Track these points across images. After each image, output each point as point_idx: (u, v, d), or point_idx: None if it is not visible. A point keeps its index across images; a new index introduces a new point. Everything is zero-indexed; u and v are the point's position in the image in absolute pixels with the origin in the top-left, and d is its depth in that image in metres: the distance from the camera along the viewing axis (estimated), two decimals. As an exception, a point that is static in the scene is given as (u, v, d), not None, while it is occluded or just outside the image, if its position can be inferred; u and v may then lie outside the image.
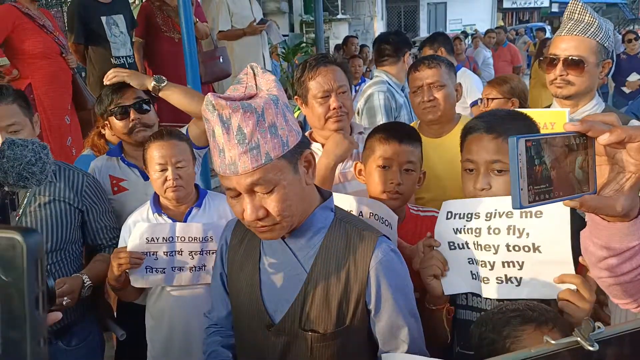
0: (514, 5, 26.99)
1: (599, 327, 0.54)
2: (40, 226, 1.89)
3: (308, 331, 1.25)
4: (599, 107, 2.06)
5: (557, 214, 1.22)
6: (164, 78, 2.20)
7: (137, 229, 1.86)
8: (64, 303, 1.79)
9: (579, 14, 1.94)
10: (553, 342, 0.52)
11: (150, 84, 2.16)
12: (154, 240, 1.84)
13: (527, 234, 1.25)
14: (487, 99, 2.79)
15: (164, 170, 1.93)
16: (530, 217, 1.25)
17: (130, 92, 2.23)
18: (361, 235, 1.29)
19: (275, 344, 1.28)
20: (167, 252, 1.86)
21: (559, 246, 1.21)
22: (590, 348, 0.52)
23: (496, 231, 1.28)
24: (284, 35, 13.45)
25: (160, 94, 2.19)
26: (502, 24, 24.75)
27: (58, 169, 1.99)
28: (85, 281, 1.92)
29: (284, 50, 7.84)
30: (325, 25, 21.40)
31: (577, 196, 0.81)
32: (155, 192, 2.02)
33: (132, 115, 2.19)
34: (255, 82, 1.17)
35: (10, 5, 3.93)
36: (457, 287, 1.37)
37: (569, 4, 1.97)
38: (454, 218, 1.36)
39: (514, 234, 1.26)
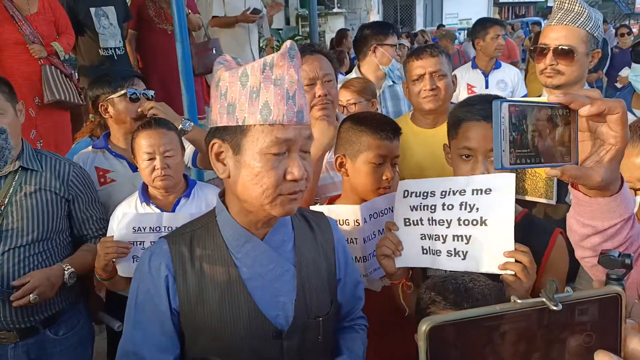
0: (510, 0, 26.99)
1: (567, 291, 0.54)
2: (26, 216, 1.88)
3: (315, 318, 1.27)
4: (588, 97, 2.04)
5: (504, 190, 1.31)
6: (191, 123, 2.20)
7: (125, 218, 1.85)
8: (31, 300, 1.78)
9: (569, 3, 1.93)
10: (519, 301, 0.53)
11: (178, 125, 2.15)
12: (140, 230, 1.83)
13: (477, 209, 1.34)
14: (351, 104, 2.63)
15: (152, 159, 1.92)
16: (481, 194, 1.34)
17: (139, 83, 2.31)
18: (314, 215, 1.39)
19: (289, 347, 1.24)
20: (153, 242, 1.85)
21: (503, 219, 1.30)
22: (554, 307, 0.54)
23: (450, 207, 1.37)
24: (278, 29, 13.44)
25: (185, 137, 2.16)
26: (499, 17, 24.77)
27: (44, 158, 1.98)
28: (66, 269, 1.91)
29: (277, 43, 7.87)
30: (321, 19, 21.42)
31: (559, 165, 0.85)
32: (143, 182, 2.01)
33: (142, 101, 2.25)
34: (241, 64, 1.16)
35: None
36: (409, 261, 1.45)
37: (558, -6, 1.97)
38: (411, 196, 1.45)
39: (465, 209, 1.35)
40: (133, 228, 1.82)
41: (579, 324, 0.56)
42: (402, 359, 1.52)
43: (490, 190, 1.32)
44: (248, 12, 4.81)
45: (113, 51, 4.25)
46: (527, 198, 2.02)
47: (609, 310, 0.57)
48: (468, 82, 3.98)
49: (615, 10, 23.79)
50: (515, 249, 1.27)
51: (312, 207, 1.69)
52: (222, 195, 1.27)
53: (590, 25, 1.92)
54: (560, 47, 1.93)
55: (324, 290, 1.30)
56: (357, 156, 1.72)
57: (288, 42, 1.10)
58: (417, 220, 1.42)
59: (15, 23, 3.75)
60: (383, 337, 1.63)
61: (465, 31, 14.09)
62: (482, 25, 4.12)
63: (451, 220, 1.36)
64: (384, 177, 1.68)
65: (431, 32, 12.23)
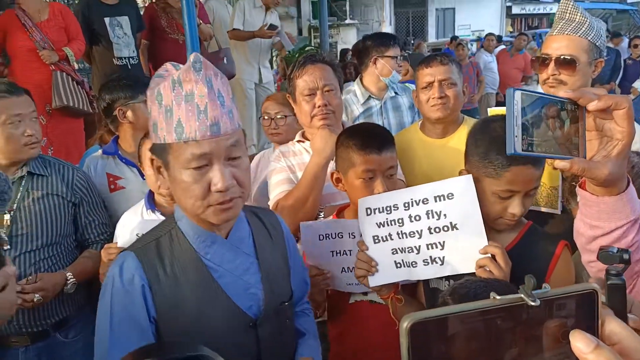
0: (523, 11, 26.93)
1: (545, 287, 0.57)
2: (35, 221, 1.92)
3: (282, 304, 1.36)
4: (592, 106, 2.04)
5: (466, 193, 1.35)
6: None
7: (129, 225, 1.87)
8: (35, 300, 1.83)
9: (570, 13, 1.94)
10: (498, 297, 0.55)
11: None
12: None
13: (445, 215, 1.38)
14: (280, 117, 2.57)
15: None
16: (444, 199, 1.38)
17: None
18: (264, 212, 1.48)
19: (263, 333, 1.31)
20: None
21: (472, 220, 1.35)
22: (532, 303, 0.55)
23: (417, 218, 1.41)
24: (289, 39, 13.52)
25: None
26: (511, 29, 24.74)
27: (49, 164, 2.03)
28: (68, 278, 1.95)
29: (289, 54, 7.95)
30: (333, 30, 21.55)
31: (567, 157, 0.87)
32: (150, 190, 2.04)
33: None
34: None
35: (10, 9, 4.00)
36: (385, 278, 1.46)
37: (560, 4, 1.98)
38: (374, 213, 1.46)
39: (433, 217, 1.39)
40: (137, 235, 1.84)
41: (558, 319, 0.57)
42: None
43: (452, 194, 1.37)
44: (265, 28, 4.90)
45: (127, 60, 4.34)
46: (532, 207, 2.01)
47: (586, 306, 0.58)
48: None
49: (630, 22, 23.61)
50: (488, 244, 1.33)
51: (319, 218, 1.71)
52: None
53: (592, 34, 1.93)
54: (562, 57, 1.93)
55: (283, 277, 1.40)
56: (347, 172, 1.70)
57: (192, 56, 1.10)
58: (386, 236, 1.45)
59: (27, 31, 3.84)
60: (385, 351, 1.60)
61: (477, 42, 14.06)
62: None
63: (422, 230, 1.40)
64: (375, 191, 1.62)
65: (443, 44, 12.21)
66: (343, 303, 1.79)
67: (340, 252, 1.68)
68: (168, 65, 1.19)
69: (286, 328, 1.40)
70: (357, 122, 2.83)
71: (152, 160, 1.22)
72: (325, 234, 1.68)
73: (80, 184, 2.07)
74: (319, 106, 1.98)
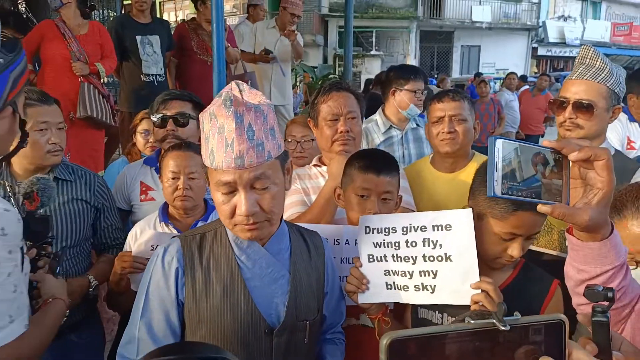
0: (549, 53, 27.05)
1: (515, 314, 0.61)
2: (61, 224, 2.00)
3: (303, 321, 1.40)
4: (608, 152, 2.05)
5: (464, 227, 1.37)
6: None
7: (145, 235, 1.92)
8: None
9: (590, 59, 1.96)
10: (472, 321, 0.58)
11: None
12: None
13: (440, 245, 1.40)
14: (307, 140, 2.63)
15: (175, 178, 1.99)
16: (442, 230, 1.40)
17: (176, 104, 2.36)
18: (310, 234, 1.54)
19: (278, 344, 1.36)
20: None
21: (466, 254, 1.36)
22: (503, 328, 0.59)
23: (413, 244, 1.43)
24: (314, 67, 13.79)
25: None
26: (536, 70, 24.80)
27: (72, 170, 2.12)
28: (91, 281, 2.02)
29: (312, 80, 8.12)
30: (358, 60, 21.88)
31: (550, 202, 0.92)
32: (165, 202, 2.09)
33: (168, 126, 2.31)
34: (242, 96, 1.24)
35: (49, 20, 4.15)
36: (374, 297, 1.48)
37: (581, 49, 2.00)
38: (372, 232, 1.49)
39: (429, 245, 1.41)
40: (151, 246, 1.88)
41: (527, 345, 0.61)
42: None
43: (450, 226, 1.39)
44: (262, 52, 5.03)
45: (154, 77, 4.48)
46: (542, 250, 2.01)
47: (554, 335, 0.63)
48: (628, 135, 3.57)
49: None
50: (480, 280, 1.34)
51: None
52: None
53: (612, 81, 1.94)
54: (580, 102, 1.94)
55: (312, 297, 1.44)
56: (347, 188, 1.77)
57: (223, 93, 1.21)
58: (381, 257, 1.47)
59: (65, 40, 3.99)
60: None
61: (500, 81, 14.15)
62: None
63: (416, 256, 1.42)
64: (367, 211, 1.67)
65: (467, 80, 12.25)
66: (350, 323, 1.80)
67: (339, 259, 1.70)
68: (233, 85, 1.27)
69: (304, 345, 1.42)
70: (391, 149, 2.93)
71: (205, 172, 1.33)
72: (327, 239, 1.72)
73: (101, 190, 2.15)
74: (341, 132, 2.02)
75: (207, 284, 1.34)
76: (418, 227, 1.42)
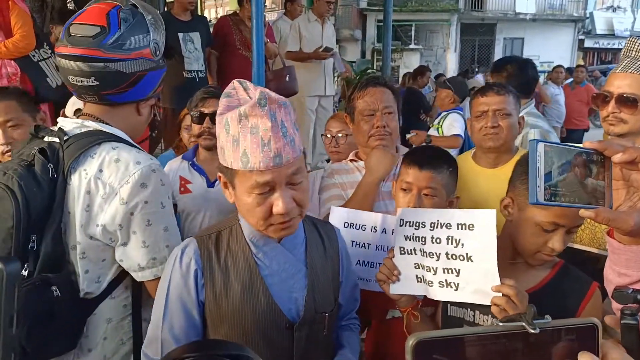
0: (596, 45, 26.03)
1: (546, 318, 0.59)
2: None
3: (322, 313, 1.41)
4: (655, 147, 1.98)
5: (485, 227, 1.35)
6: None
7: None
8: None
9: (636, 51, 1.89)
10: (501, 324, 0.58)
11: None
12: None
13: (462, 245, 1.38)
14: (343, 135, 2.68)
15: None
16: (465, 229, 1.38)
17: (213, 103, 2.40)
18: (323, 224, 1.55)
19: (299, 337, 1.37)
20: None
21: (486, 255, 1.34)
22: (532, 331, 0.58)
23: (438, 240, 1.42)
24: (352, 62, 13.72)
25: None
26: (582, 62, 23.90)
27: None
28: None
29: (351, 74, 8.10)
30: (396, 54, 21.64)
31: (593, 207, 0.89)
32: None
33: (205, 123, 2.38)
34: (248, 94, 1.25)
35: None
36: (404, 289, 1.49)
37: (627, 41, 1.94)
38: (405, 226, 1.49)
39: (452, 243, 1.40)
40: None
41: (559, 349, 0.60)
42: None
43: (473, 226, 1.37)
44: (320, 50, 5.06)
45: (195, 74, 4.59)
46: (585, 248, 1.97)
47: (586, 339, 0.61)
48: None
49: None
50: (502, 283, 1.30)
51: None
52: None
53: (658, 75, 1.88)
54: (624, 95, 1.89)
55: (329, 289, 1.45)
56: (397, 181, 1.82)
57: (257, 92, 1.18)
58: (411, 250, 1.47)
59: None
60: None
61: (546, 73, 13.68)
62: None
63: (440, 253, 1.41)
64: (406, 205, 1.70)
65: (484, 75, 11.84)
66: (380, 319, 1.83)
67: (359, 244, 1.73)
68: (235, 84, 1.27)
69: (323, 337, 1.44)
70: None
71: (219, 176, 1.33)
72: (350, 223, 1.75)
73: None
74: (377, 127, 2.03)
75: (226, 283, 1.34)
76: (444, 223, 1.41)
